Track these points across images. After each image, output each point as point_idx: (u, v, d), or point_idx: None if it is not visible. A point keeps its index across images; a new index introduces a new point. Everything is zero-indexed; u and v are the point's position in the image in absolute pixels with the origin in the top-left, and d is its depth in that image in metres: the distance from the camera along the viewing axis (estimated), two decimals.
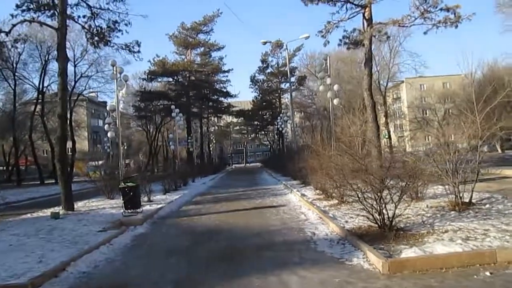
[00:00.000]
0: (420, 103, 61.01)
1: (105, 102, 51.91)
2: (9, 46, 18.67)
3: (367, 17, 17.66)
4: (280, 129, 40.06)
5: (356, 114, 15.17)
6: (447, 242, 6.06)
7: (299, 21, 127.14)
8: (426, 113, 57.45)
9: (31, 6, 15.11)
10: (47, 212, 12.90)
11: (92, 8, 16.19)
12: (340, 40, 19.69)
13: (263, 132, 67.37)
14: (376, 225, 7.25)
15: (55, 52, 15.15)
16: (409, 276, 5.22)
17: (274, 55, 51.72)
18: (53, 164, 31.03)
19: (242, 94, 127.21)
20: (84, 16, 16.34)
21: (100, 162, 28.29)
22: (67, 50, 15.41)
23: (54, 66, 34.13)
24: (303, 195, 14.46)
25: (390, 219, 7.09)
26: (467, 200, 8.81)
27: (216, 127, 69.33)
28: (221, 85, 50.95)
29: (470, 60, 65.19)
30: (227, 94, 50.67)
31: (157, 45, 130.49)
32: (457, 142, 9.99)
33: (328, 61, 18.20)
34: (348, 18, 18.20)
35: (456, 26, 16.26)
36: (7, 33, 15.23)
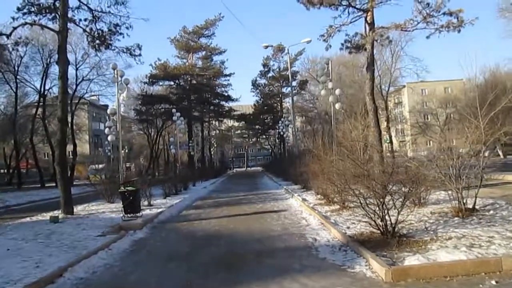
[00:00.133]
0: (422, 107, 61.04)
1: (106, 106, 51.68)
2: (10, 49, 18.64)
3: (369, 21, 17.61)
4: (281, 133, 40.02)
5: (357, 119, 15.05)
6: (451, 250, 5.94)
7: (301, 25, 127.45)
8: (427, 118, 57.47)
9: (32, 9, 15.11)
10: (46, 216, 12.83)
11: (93, 11, 16.19)
12: (342, 44, 19.66)
13: (264, 136, 67.23)
14: (379, 232, 7.14)
15: (57, 55, 15.15)
16: (413, 284, 5.11)
17: (275, 59, 51.83)
18: (54, 167, 30.97)
19: (244, 98, 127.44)
20: (85, 19, 16.41)
21: (101, 166, 28.23)
22: (68, 53, 15.41)
23: (55, 69, 34.00)
24: (304, 200, 14.35)
25: (393, 225, 6.98)
26: (470, 206, 8.69)
27: (217, 131, 69.38)
28: (223, 89, 50.99)
29: (473, 65, 65.06)
30: (229, 98, 50.65)
31: (159, 49, 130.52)
32: (459, 147, 9.89)
33: (329, 65, 18.12)
34: (350, 22, 18.18)
35: (459, 31, 16.18)
36: (8, 36, 15.22)
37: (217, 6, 70.80)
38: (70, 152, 36.28)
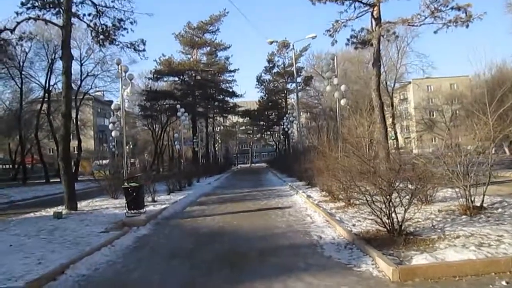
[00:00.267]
0: (427, 104, 60.57)
1: (111, 101, 51.77)
2: (14, 44, 18.59)
3: (375, 16, 17.37)
4: (286, 129, 39.85)
5: (363, 115, 14.89)
6: (460, 249, 5.81)
7: (306, 20, 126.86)
8: (433, 115, 57.03)
9: (36, 4, 14.98)
10: (50, 211, 12.80)
11: (97, 6, 16.06)
12: (348, 40, 19.44)
13: (268, 133, 67.14)
14: (385, 229, 7.01)
15: (61, 51, 15.07)
16: (421, 284, 4.99)
17: (280, 55, 51.58)
18: (58, 163, 31.04)
19: (248, 94, 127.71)
20: (89, 14, 16.24)
21: (106, 161, 28.26)
22: (73, 49, 15.46)
23: (60, 64, 33.59)
24: (309, 196, 14.24)
25: (400, 223, 6.85)
26: (478, 204, 8.53)
27: (222, 127, 69.27)
28: (227, 85, 50.95)
29: (482, 61, 64.42)
30: (233, 94, 50.58)
31: (163, 44, 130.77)
32: (466, 144, 9.73)
33: (335, 61, 17.92)
34: (356, 17, 17.94)
35: (467, 26, 15.91)
36: (11, 31, 15.13)
37: (222, 1, 70.81)
38: (75, 148, 36.43)
